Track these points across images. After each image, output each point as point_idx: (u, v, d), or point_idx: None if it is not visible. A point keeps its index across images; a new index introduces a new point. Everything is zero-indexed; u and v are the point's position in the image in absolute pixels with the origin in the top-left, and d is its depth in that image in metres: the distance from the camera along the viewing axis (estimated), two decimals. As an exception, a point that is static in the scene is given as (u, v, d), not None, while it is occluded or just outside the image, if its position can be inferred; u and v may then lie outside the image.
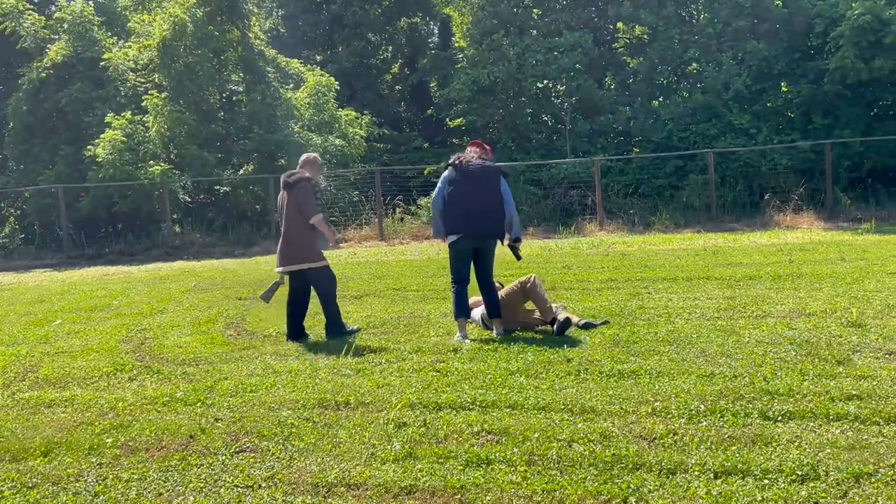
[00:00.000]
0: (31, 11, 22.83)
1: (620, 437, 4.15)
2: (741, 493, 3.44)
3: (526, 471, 3.78)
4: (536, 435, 4.22)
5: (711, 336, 6.50)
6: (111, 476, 4.04)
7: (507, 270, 11.66)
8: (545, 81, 24.88)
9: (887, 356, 5.56)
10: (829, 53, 20.95)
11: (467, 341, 6.85)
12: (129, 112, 20.76)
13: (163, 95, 21.00)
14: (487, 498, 3.53)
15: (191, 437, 4.52)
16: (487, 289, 7.21)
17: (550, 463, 3.86)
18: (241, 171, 22.44)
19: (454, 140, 29.52)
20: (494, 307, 7.21)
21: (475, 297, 7.82)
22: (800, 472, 3.59)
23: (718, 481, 3.56)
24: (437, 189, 7.31)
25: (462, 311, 7.11)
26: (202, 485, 3.86)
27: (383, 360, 6.28)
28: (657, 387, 5.02)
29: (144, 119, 21.01)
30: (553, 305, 7.55)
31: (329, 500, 3.63)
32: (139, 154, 20.40)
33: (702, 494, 3.44)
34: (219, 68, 22.92)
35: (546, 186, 22.23)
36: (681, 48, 24.28)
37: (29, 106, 22.03)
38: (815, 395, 4.66)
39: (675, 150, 22.20)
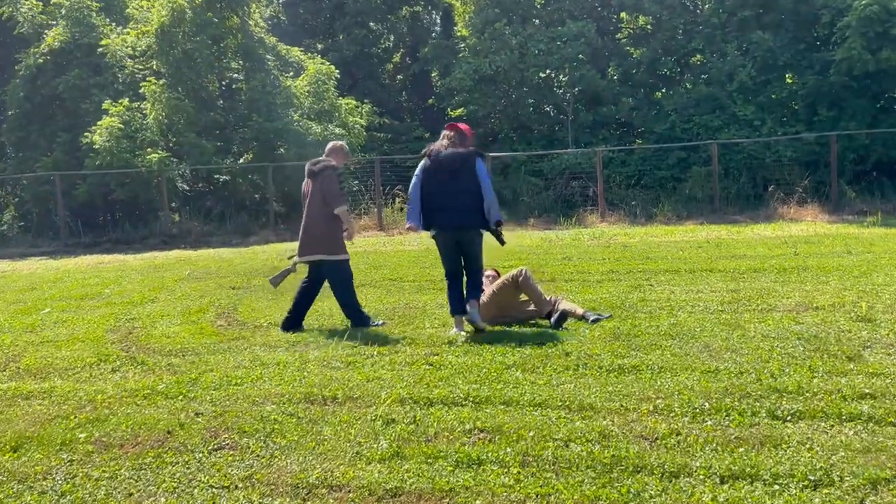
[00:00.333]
0: (28, -4, 22.60)
1: (620, 436, 3.93)
2: (749, 499, 3.21)
3: (519, 473, 3.55)
4: (531, 434, 4.00)
5: (715, 330, 6.27)
6: (81, 474, 3.82)
7: (505, 262, 11.44)
8: (547, 71, 24.59)
9: (899, 353, 5.34)
10: (835, 44, 20.62)
11: (463, 333, 6.61)
12: (127, 99, 20.49)
13: (161, 82, 20.74)
14: (477, 502, 3.31)
15: (168, 432, 4.31)
16: (471, 276, 6.86)
17: (546, 464, 3.63)
18: (241, 161, 22.18)
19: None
20: (474, 293, 6.76)
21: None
22: (812, 478, 3.36)
23: (725, 486, 3.34)
24: (413, 179, 6.92)
25: (457, 307, 6.81)
26: (175, 485, 3.64)
27: (375, 353, 6.06)
28: (659, 383, 4.80)
29: (142, 106, 20.75)
30: (551, 297, 7.33)
31: (308, 502, 3.41)
32: (136, 142, 20.15)
33: (707, 501, 3.22)
34: (218, 55, 22.64)
35: (547, 177, 21.99)
36: (685, 38, 23.98)
37: (26, 92, 21.78)
38: (826, 394, 4.44)
39: (678, 141, 21.92)
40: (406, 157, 23.14)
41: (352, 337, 6.76)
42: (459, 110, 27.02)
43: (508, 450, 3.80)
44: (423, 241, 16.11)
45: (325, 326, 7.48)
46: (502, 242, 7.01)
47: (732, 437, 3.85)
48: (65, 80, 21.19)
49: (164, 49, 21.17)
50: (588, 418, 4.24)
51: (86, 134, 19.93)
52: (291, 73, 24.02)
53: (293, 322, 7.42)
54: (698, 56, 24.47)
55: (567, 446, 3.83)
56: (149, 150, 19.90)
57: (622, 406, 4.40)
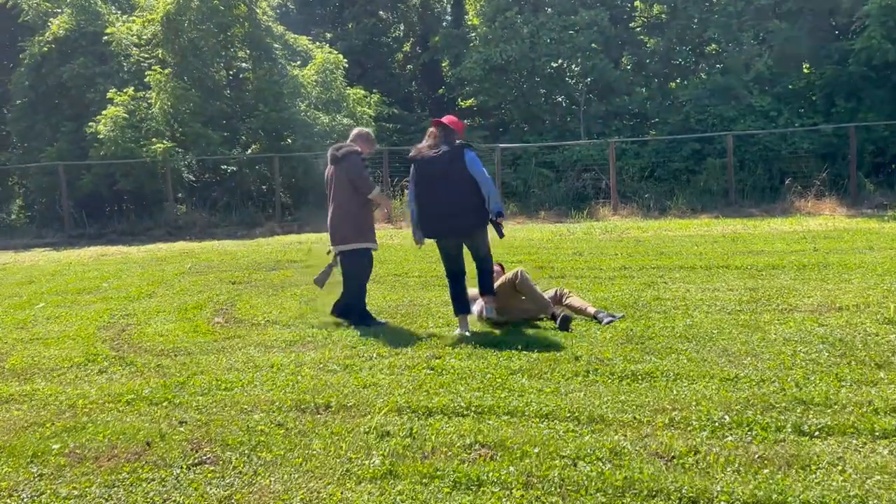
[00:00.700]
0: (33, -16, 22.33)
1: (633, 454, 3.61)
2: (777, 531, 2.90)
3: (522, 496, 3.24)
4: (537, 450, 3.68)
5: (734, 332, 5.93)
6: (49, 491, 3.54)
7: (514, 257, 11.12)
8: (559, 61, 24.16)
9: (932, 359, 4.99)
10: (854, 33, 20.13)
11: (467, 334, 6.29)
12: (132, 88, 20.22)
13: (166, 71, 20.44)
14: (476, 530, 3.01)
15: (147, 444, 4.01)
16: (480, 271, 6.58)
17: (551, 486, 3.32)
18: (249, 151, 21.89)
19: (465, 121, 28.86)
20: (486, 286, 6.54)
21: (474, 289, 7.28)
22: (846, 506, 3.04)
23: (749, 515, 3.02)
24: (409, 187, 6.63)
25: (461, 307, 6.51)
26: (148, 505, 3.35)
27: (374, 355, 5.76)
28: (675, 392, 4.47)
29: (147, 95, 20.47)
30: (558, 291, 7.01)
31: (291, 528, 3.12)
32: (142, 131, 19.88)
33: (730, 532, 2.90)
34: (225, 44, 22.33)
35: (559, 169, 21.58)
36: (700, 27, 23.49)
37: (31, 81, 21.55)
38: (856, 406, 4.10)
39: (692, 132, 21.48)
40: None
41: (352, 336, 6.46)
42: (470, 101, 26.67)
43: (511, 469, 3.49)
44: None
45: (328, 322, 7.18)
46: (501, 235, 6.58)
47: (756, 456, 3.53)
48: (70, 68, 20.92)
49: (170, 37, 20.89)
50: (598, 432, 3.92)
51: (90, 123, 19.68)
52: (299, 63, 23.68)
53: (342, 310, 7.19)
54: (714, 45, 24.01)
55: (575, 465, 3.51)
56: (154, 140, 19.62)
57: (635, 418, 4.08)
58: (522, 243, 13.17)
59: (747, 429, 3.86)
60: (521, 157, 22.41)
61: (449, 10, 31.86)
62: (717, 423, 3.93)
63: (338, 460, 3.68)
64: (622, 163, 20.90)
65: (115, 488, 3.53)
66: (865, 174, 19.49)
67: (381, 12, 30.11)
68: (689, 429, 3.91)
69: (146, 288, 9.93)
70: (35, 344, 6.91)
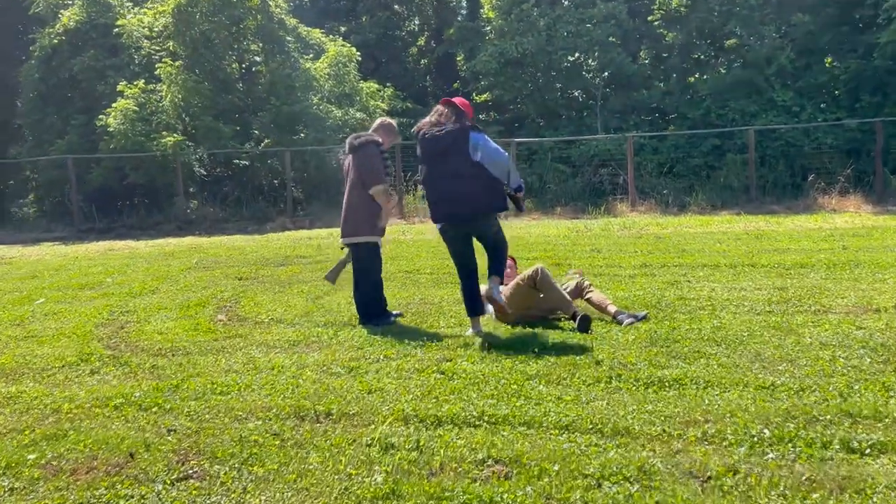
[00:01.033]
0: (44, -25, 22.12)
1: (664, 474, 3.24)
2: (835, 569, 2.52)
3: (541, 522, 2.89)
4: (556, 467, 3.32)
5: (765, 335, 5.54)
6: (17, 508, 3.21)
7: (530, 253, 10.75)
8: (576, 54, 23.73)
9: None
10: (880, 26, 19.60)
11: (480, 337, 5.89)
12: (143, 81, 19.96)
13: (177, 64, 20.16)
14: (488, 563, 2.65)
15: (131, 455, 3.68)
16: (494, 256, 6.09)
17: (574, 511, 2.96)
18: (262, 145, 21.58)
19: (480, 116, 28.47)
20: (497, 269, 6.04)
21: (484, 286, 6.92)
22: (913, 540, 2.66)
23: (801, 549, 2.65)
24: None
25: (474, 307, 6.11)
26: (123, 527, 3.01)
27: (381, 357, 5.41)
28: (707, 401, 4.10)
29: (158, 88, 20.20)
30: (579, 283, 6.63)
31: (280, 557, 2.77)
32: (152, 125, 19.62)
33: (780, 570, 2.53)
34: (237, 37, 22.04)
35: (575, 164, 21.18)
36: (720, 20, 22.97)
37: (41, 74, 21.36)
38: (909, 420, 3.72)
39: (712, 127, 21.03)
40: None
41: (359, 336, 6.12)
42: (485, 95, 26.28)
43: (528, 489, 3.13)
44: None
45: (335, 321, 6.84)
46: (521, 209, 6.21)
47: (803, 477, 3.15)
48: (80, 61, 20.73)
49: (181, 29, 20.63)
50: (624, 447, 3.55)
51: (100, 116, 19.44)
52: (311, 56, 23.36)
53: (367, 315, 6.81)
54: (734, 39, 23.50)
55: (599, 486, 3.15)
56: (164, 133, 19.36)
57: (664, 431, 3.71)
58: (538, 240, 12.79)
59: (790, 445, 3.48)
60: (536, 152, 22.01)
61: (464, 3, 31.46)
62: (755, 438, 3.56)
63: (336, 477, 3.33)
64: (640, 158, 20.47)
65: (90, 506, 3.20)
66: (892, 170, 18.97)
67: (395, 5, 29.76)
68: (724, 444, 3.53)
69: (150, 283, 9.63)
70: (29, 342, 6.61)
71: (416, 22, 31.45)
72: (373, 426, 3.92)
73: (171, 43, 21.17)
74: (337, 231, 7.06)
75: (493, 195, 5.88)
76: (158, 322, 7.19)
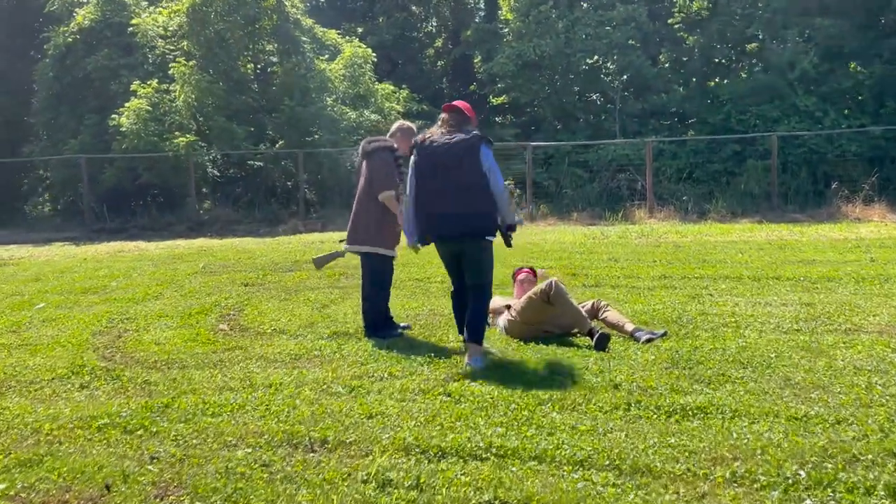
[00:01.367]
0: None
1: (690, 522, 2.92)
2: None
3: (552, 581, 2.57)
4: (570, 512, 3.01)
5: (794, 357, 5.20)
6: (-23, 549, 2.94)
7: (543, 262, 10.41)
8: (595, 57, 23.34)
9: None
10: (906, 31, 19.16)
11: (479, 366, 5.21)
12: (156, 80, 19.77)
13: (190, 63, 19.95)
14: None
15: (107, 487, 3.39)
16: (473, 299, 5.47)
17: (589, 567, 2.65)
18: (277, 146, 21.34)
19: (496, 118, 28.18)
20: (474, 329, 5.33)
21: (498, 298, 6.61)
22: None
23: None
24: (408, 182, 5.61)
25: (460, 327, 5.71)
26: (88, 576, 2.73)
27: (385, 374, 5.11)
28: (735, 434, 3.76)
29: (171, 88, 20.00)
30: (595, 303, 6.31)
31: None
32: (165, 125, 19.43)
33: None
34: (252, 37, 21.82)
35: (592, 169, 20.79)
36: (742, 24, 22.54)
37: (55, 72, 21.22)
38: (960, 462, 3.37)
39: (733, 132, 20.58)
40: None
41: (363, 351, 5.82)
42: (501, 97, 25.97)
43: (538, 539, 2.82)
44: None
45: (340, 332, 6.55)
46: (509, 245, 5.76)
47: (846, 530, 2.82)
48: (94, 59, 20.57)
49: (196, 29, 20.43)
50: (645, 487, 3.23)
51: (113, 116, 19.26)
52: (327, 56, 23.11)
53: (377, 326, 6.52)
54: (756, 43, 23.07)
55: (618, 536, 2.83)
56: (177, 133, 19.15)
57: (689, 470, 3.38)
58: (553, 246, 12.46)
59: (829, 490, 3.15)
60: (553, 156, 21.66)
61: (482, 4, 31.15)
62: (790, 481, 3.23)
63: (327, 518, 3.04)
64: (659, 163, 20.06)
65: (56, 548, 2.91)
66: (917, 179, 18.50)
67: (412, 6, 29.48)
68: (755, 486, 3.20)
69: (154, 289, 9.38)
70: (22, 350, 6.36)
71: (434, 23, 31.15)
72: (370, 457, 3.61)
73: (185, 42, 20.99)
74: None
75: (496, 216, 5.44)
76: (158, 331, 6.93)
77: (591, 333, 5.73)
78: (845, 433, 3.74)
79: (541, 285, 6.05)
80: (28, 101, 22.98)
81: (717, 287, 8.08)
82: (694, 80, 23.89)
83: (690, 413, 4.09)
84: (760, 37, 22.42)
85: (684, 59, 24.37)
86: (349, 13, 30.37)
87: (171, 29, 21.48)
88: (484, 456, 3.60)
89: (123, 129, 18.88)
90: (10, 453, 3.86)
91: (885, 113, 19.82)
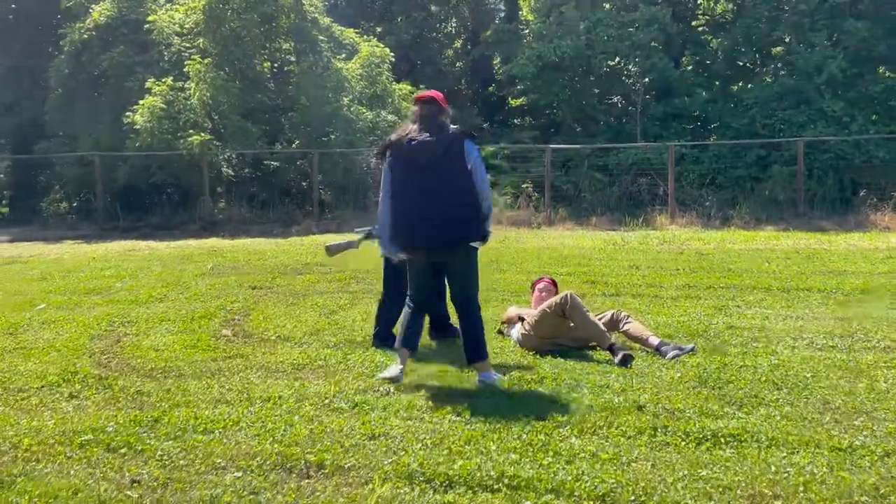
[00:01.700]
0: (75, -30, 21.85)
1: (728, 575, 2.57)
2: None
3: None
4: (591, 559, 2.66)
5: (832, 377, 4.83)
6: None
7: (561, 268, 10.07)
8: (616, 59, 22.91)
9: None
10: (939, 35, 18.63)
11: (400, 375, 4.88)
12: (171, 78, 19.55)
13: (206, 61, 19.72)
14: None
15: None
16: (464, 315, 5.01)
17: None
18: (294, 146, 21.06)
19: (515, 120, 27.82)
20: (474, 345, 4.95)
21: (513, 308, 6.28)
22: None
23: None
24: (383, 178, 5.03)
25: (409, 341, 5.05)
26: None
27: (391, 389, 4.78)
28: (773, 467, 3.41)
29: (186, 86, 19.77)
30: (615, 313, 5.95)
31: None
32: (179, 123, 19.20)
33: None
34: (268, 35, 21.57)
35: (612, 173, 20.37)
36: (768, 27, 22.05)
37: (70, 69, 21.04)
38: None
39: (757, 137, 20.11)
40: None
41: (370, 362, 5.49)
42: (521, 99, 25.60)
43: (555, 592, 2.48)
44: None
45: (346, 340, 6.23)
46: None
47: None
48: (109, 56, 20.37)
49: (212, 26, 20.19)
50: (675, 529, 2.88)
51: (127, 114, 19.07)
52: (344, 56, 22.82)
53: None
54: (782, 46, 22.57)
55: (646, 591, 2.49)
56: (191, 132, 18.92)
57: (724, 509, 3.03)
58: (572, 252, 12.11)
59: (884, 537, 2.79)
60: (572, 158, 21.28)
61: (502, 5, 30.81)
62: (839, 525, 2.87)
63: (317, 560, 2.71)
64: (681, 168, 19.62)
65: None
66: (948, 187, 17.94)
67: (432, 6, 29.18)
68: (800, 531, 2.85)
69: (159, 290, 9.10)
70: (15, 355, 6.08)
71: (453, 24, 30.84)
72: (370, 486, 3.29)
73: (201, 40, 20.75)
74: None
75: (484, 225, 4.95)
76: (158, 336, 6.64)
77: (612, 349, 5.37)
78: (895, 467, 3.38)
79: (556, 298, 5.70)
80: (44, 97, 22.84)
81: (745, 298, 7.70)
82: (717, 83, 23.44)
83: (723, 441, 3.73)
84: (786, 40, 21.93)
85: (708, 61, 23.91)
86: (367, 12, 30.09)
87: (187, 26, 21.25)
88: (495, 487, 3.26)
89: (137, 126, 18.68)
90: (-20, 473, 3.57)
91: (914, 119, 19.33)
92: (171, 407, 4.52)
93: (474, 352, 4.95)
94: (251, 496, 3.22)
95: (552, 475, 3.35)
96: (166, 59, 20.78)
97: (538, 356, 5.59)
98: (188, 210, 19.93)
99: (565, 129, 23.76)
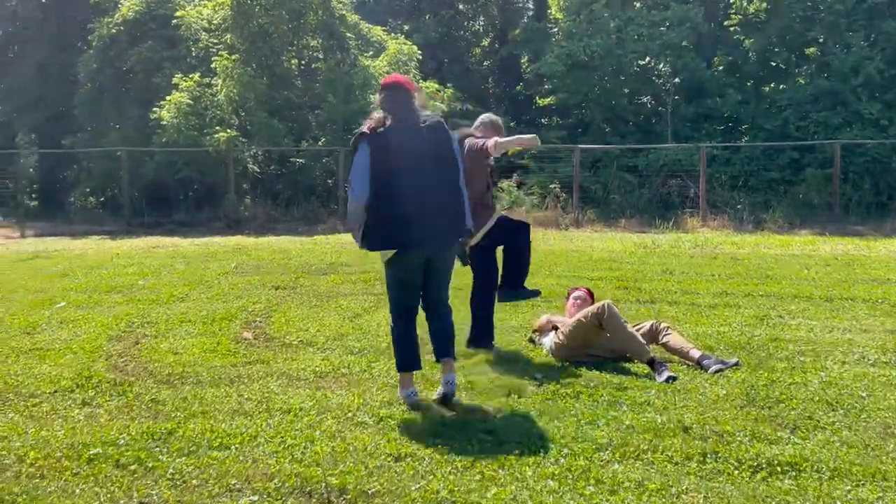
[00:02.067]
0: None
1: None
2: None
3: None
4: None
5: (889, 397, 4.51)
6: None
7: (592, 273, 9.76)
8: (647, 58, 22.50)
9: None
10: (982, 36, 18.06)
11: (415, 398, 4.50)
12: (198, 74, 19.46)
13: (233, 57, 19.60)
14: None
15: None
16: (441, 317, 4.71)
17: None
18: (320, 143, 20.87)
19: (542, 120, 27.46)
20: (448, 343, 4.66)
21: (548, 314, 6.00)
22: None
23: None
24: (356, 170, 4.45)
25: (409, 359, 4.61)
26: None
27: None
28: (839, 502, 3.10)
29: (213, 82, 19.67)
30: (654, 324, 5.64)
31: None
32: (206, 119, 19.10)
33: None
34: (296, 31, 21.42)
35: (642, 174, 19.99)
36: (803, 27, 21.53)
37: (99, 64, 21.08)
38: None
39: (790, 139, 19.63)
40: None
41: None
42: (549, 99, 25.23)
43: None
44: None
45: (371, 347, 5.98)
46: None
47: None
48: (137, 52, 20.36)
49: (240, 22, 20.08)
50: (734, 575, 2.59)
51: (154, 109, 19.00)
52: (371, 53, 22.62)
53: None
54: (817, 47, 22.04)
55: None
56: (217, 128, 18.81)
57: (787, 551, 2.74)
58: (602, 255, 11.79)
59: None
60: (601, 159, 20.92)
61: (531, 3, 30.46)
62: (920, 575, 2.57)
63: None
64: (712, 170, 19.18)
65: None
66: None
67: (460, 4, 28.91)
68: (876, 580, 2.55)
69: (180, 289, 8.91)
70: (30, 356, 5.91)
71: (481, 22, 30.53)
72: (396, 516, 3.03)
73: (228, 36, 20.65)
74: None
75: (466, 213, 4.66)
76: (177, 338, 6.43)
77: (652, 364, 5.06)
78: (976, 506, 3.06)
79: (592, 308, 5.40)
80: (72, 92, 22.88)
81: (786, 307, 7.35)
82: (750, 83, 22.94)
83: (780, 470, 3.43)
84: (821, 40, 21.40)
85: (740, 62, 23.43)
86: (395, 9, 29.91)
87: (215, 22, 21.19)
88: (533, 520, 2.99)
89: (164, 122, 18.61)
90: (-19, 490, 3.35)
91: (955, 122, 18.76)
92: (187, 417, 4.30)
93: (448, 348, 4.62)
94: (267, 524, 2.98)
95: (595, 507, 3.07)
96: (194, 54, 20.73)
97: (572, 367, 5.30)
98: (213, 207, 19.83)
99: (594, 129, 23.38)
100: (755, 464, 3.49)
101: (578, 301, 5.86)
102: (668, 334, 5.53)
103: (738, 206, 17.90)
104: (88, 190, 23.88)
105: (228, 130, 18.76)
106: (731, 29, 24.02)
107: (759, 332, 6.30)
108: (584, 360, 5.41)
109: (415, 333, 4.67)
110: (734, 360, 5.26)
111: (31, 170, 25.62)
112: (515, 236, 5.83)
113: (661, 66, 23.03)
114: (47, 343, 6.35)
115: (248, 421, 4.22)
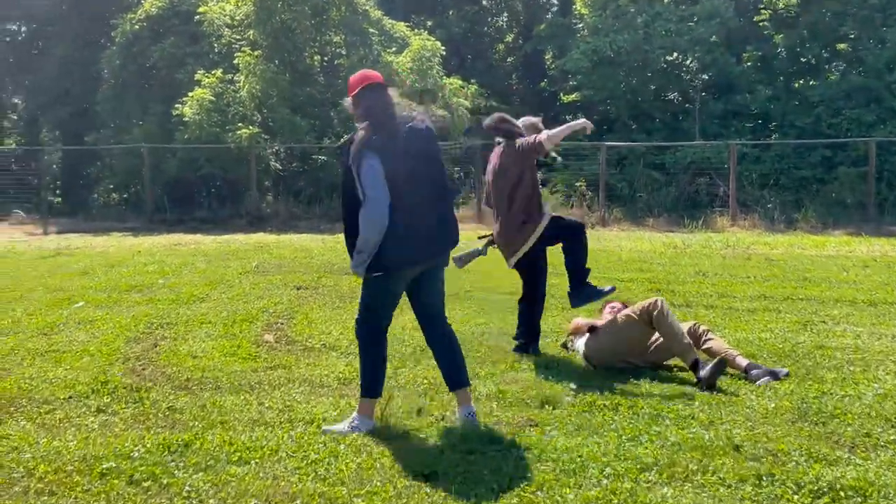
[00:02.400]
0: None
1: None
2: None
3: None
4: None
5: (951, 413, 4.21)
6: None
7: (622, 274, 9.47)
8: (675, 54, 22.08)
9: None
10: None
11: (370, 429, 4.01)
12: (221, 70, 19.33)
13: (256, 53, 19.45)
14: None
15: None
16: (443, 338, 4.24)
17: None
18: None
19: (567, 117, 27.10)
20: (461, 368, 4.18)
21: (580, 318, 5.74)
22: None
23: None
24: (372, 175, 3.89)
25: (379, 383, 4.16)
26: None
27: (447, 413, 4.29)
28: (911, 535, 2.84)
29: (236, 78, 19.53)
30: (695, 327, 5.34)
31: None
32: (228, 115, 18.96)
33: None
34: (319, 27, 21.23)
35: (669, 172, 19.61)
36: (835, 22, 21.03)
37: (121, 60, 21.02)
38: None
39: (822, 137, 19.17)
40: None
41: (422, 379, 5.00)
42: (573, 95, 24.87)
43: None
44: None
45: (395, 352, 5.74)
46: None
47: None
48: (160, 48, 20.27)
49: (262, 18, 19.92)
50: None
51: (176, 106, 18.90)
52: (394, 49, 22.40)
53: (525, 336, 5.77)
54: (849, 42, 21.53)
55: None
56: (240, 125, 18.67)
57: (862, 592, 2.47)
58: (631, 255, 11.49)
59: None
60: (627, 157, 20.56)
61: (556, -1, 30.15)
62: None
63: None
64: (741, 168, 18.76)
65: None
66: None
67: (483, 0, 28.63)
68: None
69: (201, 289, 8.73)
70: (46, 359, 5.73)
71: (505, 18, 30.24)
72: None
73: (251, 32, 20.51)
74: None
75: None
76: (197, 341, 6.24)
77: (695, 366, 4.79)
78: None
79: (643, 302, 5.14)
80: (95, 88, 22.86)
81: (830, 313, 7.04)
82: (780, 79, 22.45)
83: (843, 495, 3.15)
84: (854, 36, 20.91)
85: (770, 57, 22.95)
86: (418, 5, 29.65)
87: (237, 18, 21.05)
88: (577, 550, 2.75)
89: (186, 119, 18.50)
90: (-12, 506, 3.16)
91: None
92: (205, 428, 4.09)
93: (463, 375, 4.17)
94: (289, 552, 2.75)
95: (644, 537, 2.82)
96: (216, 50, 20.63)
97: (609, 375, 5.03)
98: (235, 204, 19.71)
99: (620, 126, 22.99)
100: (815, 488, 3.22)
101: (615, 309, 5.59)
102: (710, 338, 5.25)
103: (769, 206, 17.49)
104: (111, 186, 23.87)
105: (251, 127, 18.61)
106: (761, 24, 23.55)
107: (803, 338, 6.00)
108: (622, 366, 5.15)
109: (383, 355, 4.26)
110: (784, 370, 4.97)
111: (54, 166, 25.64)
112: (568, 235, 5.71)
113: (689, 61, 22.60)
114: (64, 345, 6.18)
115: (269, 432, 3.99)
